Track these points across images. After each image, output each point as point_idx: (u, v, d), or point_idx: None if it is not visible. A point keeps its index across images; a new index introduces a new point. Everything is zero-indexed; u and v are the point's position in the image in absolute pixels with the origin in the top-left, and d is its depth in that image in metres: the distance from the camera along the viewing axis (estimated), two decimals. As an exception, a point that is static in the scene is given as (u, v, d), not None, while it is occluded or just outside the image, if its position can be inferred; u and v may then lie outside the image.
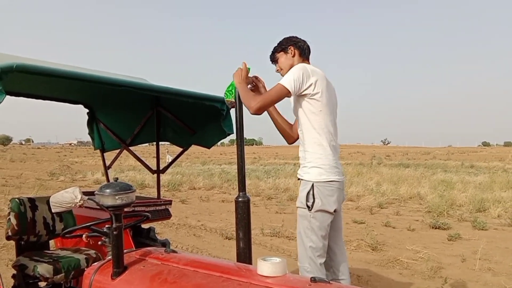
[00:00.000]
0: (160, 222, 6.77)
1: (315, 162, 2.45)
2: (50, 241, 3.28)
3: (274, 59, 2.72)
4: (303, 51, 2.65)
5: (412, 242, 6.56)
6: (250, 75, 2.55)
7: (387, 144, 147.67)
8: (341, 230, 2.63)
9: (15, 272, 2.82)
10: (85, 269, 1.93)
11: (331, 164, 2.45)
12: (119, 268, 1.75)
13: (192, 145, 3.73)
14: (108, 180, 4.08)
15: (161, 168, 3.91)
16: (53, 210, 1.83)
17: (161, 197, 3.85)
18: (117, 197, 1.73)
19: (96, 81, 2.41)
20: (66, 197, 1.77)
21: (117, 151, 4.12)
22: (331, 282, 1.54)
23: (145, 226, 3.52)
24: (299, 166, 2.58)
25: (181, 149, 3.85)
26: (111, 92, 3.26)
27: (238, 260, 2.30)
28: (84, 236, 2.02)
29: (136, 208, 3.30)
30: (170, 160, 4.06)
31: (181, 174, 17.66)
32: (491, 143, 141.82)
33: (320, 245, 2.42)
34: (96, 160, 31.46)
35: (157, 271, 1.73)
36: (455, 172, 20.98)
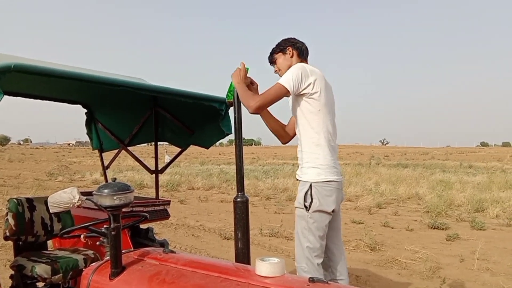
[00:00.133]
0: (158, 222, 6.77)
1: (313, 162, 2.45)
2: (48, 242, 3.27)
3: (272, 60, 2.72)
4: (301, 52, 2.65)
5: (410, 242, 6.57)
6: (248, 75, 2.55)
7: (385, 144, 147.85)
8: (339, 230, 2.63)
9: (13, 272, 2.81)
10: (83, 269, 1.92)
11: (329, 164, 2.45)
12: (117, 268, 1.75)
13: (191, 145, 3.73)
14: (106, 180, 4.08)
15: (159, 168, 3.91)
16: (51, 211, 1.82)
17: (159, 197, 3.85)
18: (115, 198, 1.73)
19: (94, 81, 2.41)
20: (64, 197, 1.76)
21: (116, 151, 4.12)
22: (329, 282, 1.54)
23: (143, 226, 3.52)
24: (298, 167, 2.58)
25: (179, 149, 3.85)
26: (110, 92, 3.25)
27: (236, 260, 2.30)
28: (82, 236, 2.01)
29: (135, 208, 3.30)
30: (168, 160, 4.05)
31: (179, 174, 17.64)
32: (489, 144, 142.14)
33: (317, 245, 2.42)
34: (94, 160, 31.42)
35: (155, 272, 1.73)
36: (454, 172, 21.02)
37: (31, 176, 18.93)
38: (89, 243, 2.33)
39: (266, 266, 1.55)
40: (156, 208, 3.60)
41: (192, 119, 3.51)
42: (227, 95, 2.53)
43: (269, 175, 18.58)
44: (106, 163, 4.14)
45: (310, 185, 2.42)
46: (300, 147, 2.54)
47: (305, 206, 2.41)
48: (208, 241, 6.64)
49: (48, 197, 1.81)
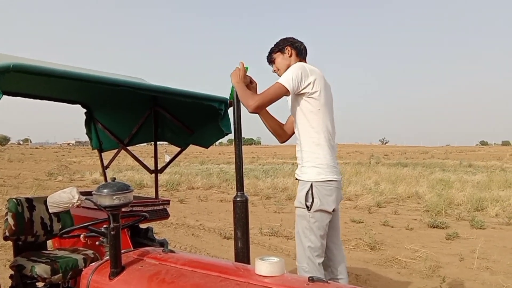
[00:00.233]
0: (158, 222, 6.77)
1: (313, 162, 2.45)
2: (48, 242, 3.27)
3: (271, 60, 2.72)
4: (300, 51, 2.65)
5: (410, 241, 6.57)
6: (248, 73, 2.55)
7: (385, 144, 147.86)
8: (339, 229, 2.63)
9: (12, 272, 2.81)
10: (83, 269, 1.92)
11: (329, 163, 2.45)
12: (117, 268, 1.75)
13: (190, 145, 3.73)
14: (106, 180, 4.08)
15: (159, 168, 3.91)
16: (50, 211, 1.82)
17: (159, 197, 3.85)
18: (114, 197, 1.72)
19: (93, 81, 2.41)
20: (63, 197, 1.76)
21: (115, 151, 4.12)
22: (329, 281, 1.54)
23: (143, 226, 3.52)
24: (297, 166, 2.58)
25: (179, 149, 3.85)
26: (109, 92, 3.25)
27: (236, 260, 2.30)
28: (81, 236, 2.01)
29: (134, 208, 3.30)
30: (168, 160, 4.05)
31: (179, 173, 17.64)
32: (489, 142, 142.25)
33: (318, 244, 2.42)
34: (94, 160, 31.41)
35: (155, 271, 1.73)
36: (453, 171, 21.02)
37: (31, 176, 18.92)
38: (88, 243, 2.33)
39: (265, 266, 1.55)
40: (155, 207, 3.60)
41: (191, 118, 3.51)
42: (230, 95, 2.54)
43: (268, 174, 18.58)
44: (105, 162, 4.14)
45: (311, 184, 2.42)
46: (300, 147, 2.54)
47: (307, 206, 2.41)
48: (208, 241, 6.64)
49: (47, 197, 1.81)
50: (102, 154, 4.18)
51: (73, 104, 3.94)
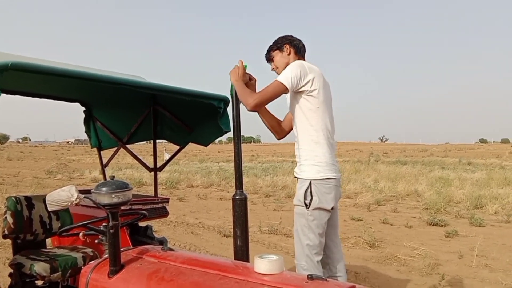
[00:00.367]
0: (157, 220, 6.76)
1: (312, 160, 2.45)
2: (47, 240, 3.27)
3: (269, 58, 2.71)
4: (299, 49, 2.64)
5: (409, 239, 6.59)
6: (247, 71, 2.54)
7: (384, 142, 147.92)
8: (337, 227, 2.63)
9: (11, 270, 2.82)
10: (82, 267, 1.92)
11: (328, 161, 2.45)
12: (116, 266, 1.75)
13: (190, 143, 3.73)
14: (105, 178, 4.07)
15: (158, 166, 3.90)
16: (49, 209, 1.81)
17: (158, 195, 3.85)
18: (113, 195, 1.72)
19: (92, 79, 2.40)
20: (62, 195, 1.76)
21: (114, 149, 4.11)
22: (327, 279, 1.54)
23: (142, 224, 3.52)
24: (296, 164, 2.58)
25: (178, 147, 3.84)
26: (108, 90, 3.24)
27: (235, 258, 2.30)
28: (81, 234, 2.01)
29: (133, 206, 3.29)
30: (167, 158, 4.05)
31: (178, 172, 17.65)
32: (488, 140, 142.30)
33: (317, 242, 2.43)
34: (93, 158, 31.40)
35: (154, 269, 1.73)
36: (453, 169, 21.04)
37: (30, 174, 18.92)
38: (87, 241, 2.33)
39: (265, 264, 1.55)
40: (155, 206, 3.60)
41: (190, 117, 3.50)
42: (230, 94, 2.53)
43: (268, 172, 18.60)
44: (105, 161, 4.13)
45: (310, 182, 2.42)
46: (298, 145, 2.54)
47: (305, 204, 2.42)
48: (207, 239, 6.64)
49: (46, 195, 1.81)
50: (101, 152, 4.18)
51: (72, 102, 3.94)
